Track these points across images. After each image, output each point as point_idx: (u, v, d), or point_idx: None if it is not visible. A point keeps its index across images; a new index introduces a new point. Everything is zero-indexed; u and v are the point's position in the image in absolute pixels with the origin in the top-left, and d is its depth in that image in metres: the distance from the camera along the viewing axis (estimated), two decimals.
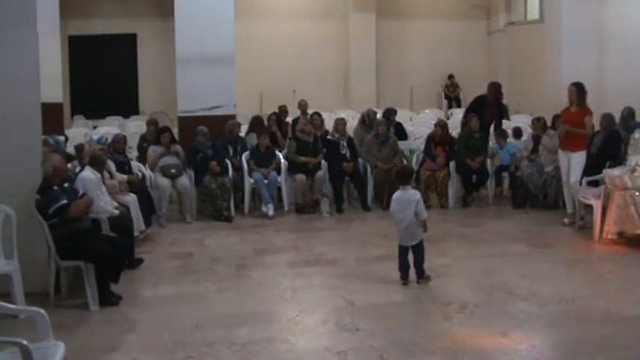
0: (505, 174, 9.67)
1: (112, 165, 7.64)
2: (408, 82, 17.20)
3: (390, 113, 10.60)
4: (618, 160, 7.79)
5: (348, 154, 9.34)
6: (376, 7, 17.08)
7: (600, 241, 7.18)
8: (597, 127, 8.30)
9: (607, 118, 8.41)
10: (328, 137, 9.65)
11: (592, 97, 8.60)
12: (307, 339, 4.81)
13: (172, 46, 10.72)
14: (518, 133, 10.44)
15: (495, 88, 10.36)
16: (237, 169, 9.06)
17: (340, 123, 9.66)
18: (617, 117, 8.96)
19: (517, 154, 9.53)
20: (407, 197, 5.85)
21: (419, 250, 5.86)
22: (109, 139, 8.81)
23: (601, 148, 8.00)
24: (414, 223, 5.82)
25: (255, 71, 15.64)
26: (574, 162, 7.92)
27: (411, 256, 5.90)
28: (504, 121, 12.45)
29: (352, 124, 11.30)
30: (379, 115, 10.72)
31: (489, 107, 9.97)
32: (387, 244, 6.91)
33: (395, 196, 5.98)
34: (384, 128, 9.53)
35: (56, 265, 5.51)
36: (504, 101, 14.14)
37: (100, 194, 6.53)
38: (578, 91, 7.89)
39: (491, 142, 10.02)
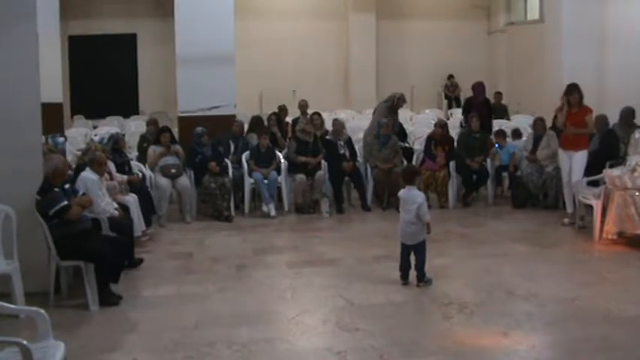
0: (505, 174, 9.67)
1: (111, 166, 7.63)
2: (408, 82, 17.17)
3: None
4: (618, 160, 7.80)
5: (347, 154, 9.35)
6: (376, 7, 17.08)
7: (600, 241, 7.18)
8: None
9: (601, 120, 8.47)
10: (328, 137, 9.65)
11: (592, 97, 8.61)
12: (307, 339, 4.80)
13: (172, 46, 10.73)
14: (517, 133, 10.44)
15: (480, 88, 10.38)
16: (234, 162, 9.06)
17: (337, 124, 9.66)
18: (617, 117, 9.00)
19: (517, 153, 9.53)
20: (411, 198, 5.85)
21: (420, 251, 5.84)
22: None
23: (599, 150, 8.03)
24: (416, 224, 5.81)
25: (255, 71, 15.64)
26: (576, 161, 7.92)
27: (413, 257, 5.88)
28: (504, 121, 12.47)
29: (352, 123, 11.29)
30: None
31: (477, 107, 9.98)
32: (387, 244, 6.92)
33: (400, 192, 5.99)
34: (387, 130, 9.50)
35: (56, 265, 5.50)
36: (503, 101, 14.21)
37: (101, 195, 6.52)
38: (579, 92, 7.92)
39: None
